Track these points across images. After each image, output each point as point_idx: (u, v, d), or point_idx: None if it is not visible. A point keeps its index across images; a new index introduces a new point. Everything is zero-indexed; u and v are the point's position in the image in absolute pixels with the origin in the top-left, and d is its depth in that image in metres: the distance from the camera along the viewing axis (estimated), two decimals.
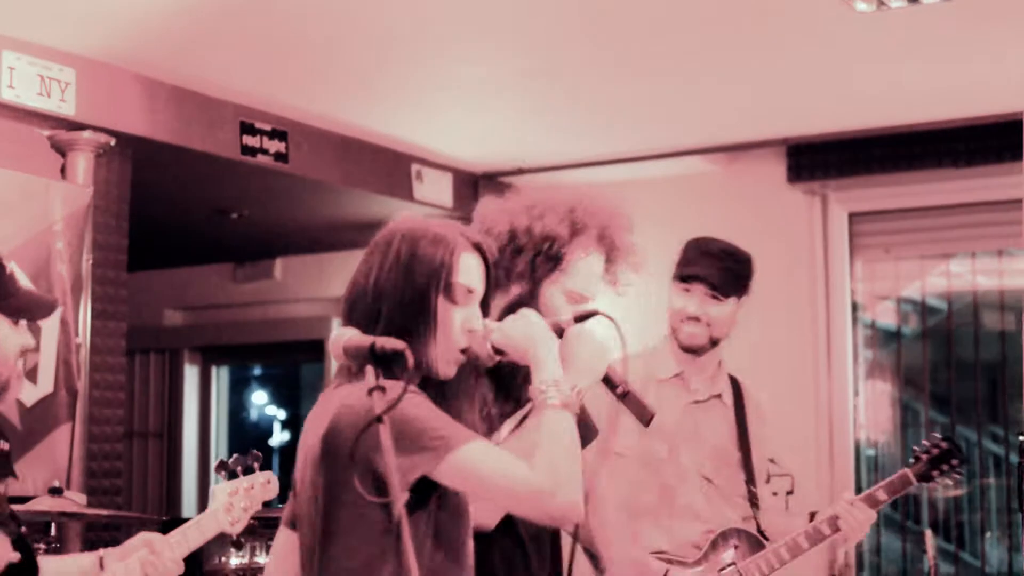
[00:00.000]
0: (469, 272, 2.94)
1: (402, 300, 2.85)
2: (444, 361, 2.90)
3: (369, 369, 2.65)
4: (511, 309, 3.37)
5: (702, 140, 7.68)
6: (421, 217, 3.03)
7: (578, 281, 3.53)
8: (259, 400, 12.26)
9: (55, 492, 4.44)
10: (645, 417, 3.28)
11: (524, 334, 3.04)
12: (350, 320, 2.88)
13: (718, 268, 4.65)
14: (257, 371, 12.36)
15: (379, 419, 2.56)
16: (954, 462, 4.67)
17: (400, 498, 2.49)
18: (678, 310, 4.67)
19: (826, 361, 7.65)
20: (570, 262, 3.52)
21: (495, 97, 6.83)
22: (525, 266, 3.50)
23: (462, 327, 2.92)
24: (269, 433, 12.30)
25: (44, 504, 4.49)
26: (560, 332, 3.16)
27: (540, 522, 2.89)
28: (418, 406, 2.74)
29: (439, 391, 2.90)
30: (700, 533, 4.62)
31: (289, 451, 12.02)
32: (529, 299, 3.47)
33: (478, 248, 2.99)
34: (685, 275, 4.67)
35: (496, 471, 2.74)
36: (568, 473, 2.77)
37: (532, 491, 2.74)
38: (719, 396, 4.78)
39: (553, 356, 3.00)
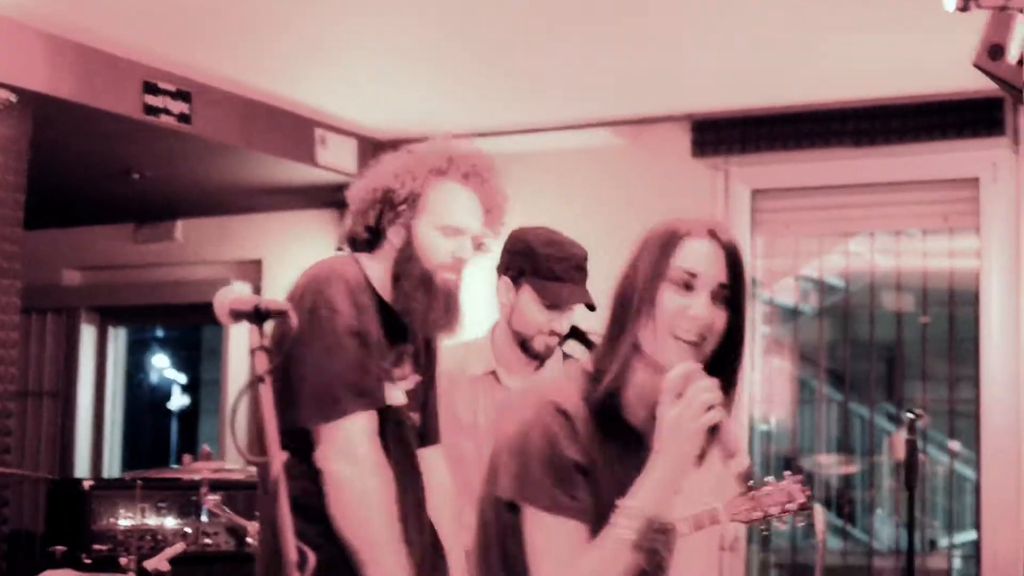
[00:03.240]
0: None
1: None
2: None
3: (254, 329, 2.64)
4: (402, 260, 3.61)
5: (609, 112, 7.69)
6: None
7: (445, 215, 3.70)
8: (159, 363, 12.18)
9: None
10: None
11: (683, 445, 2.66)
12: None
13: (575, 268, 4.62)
14: (157, 333, 12.27)
15: (261, 379, 2.55)
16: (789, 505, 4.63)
17: (278, 458, 2.48)
18: (533, 318, 4.63)
19: None
20: (434, 198, 3.71)
21: (401, 64, 6.82)
22: (395, 213, 3.70)
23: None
24: (168, 396, 12.22)
25: None
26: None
27: None
28: None
29: None
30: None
31: (189, 416, 11.96)
32: (408, 246, 3.67)
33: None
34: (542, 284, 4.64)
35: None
36: None
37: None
38: None
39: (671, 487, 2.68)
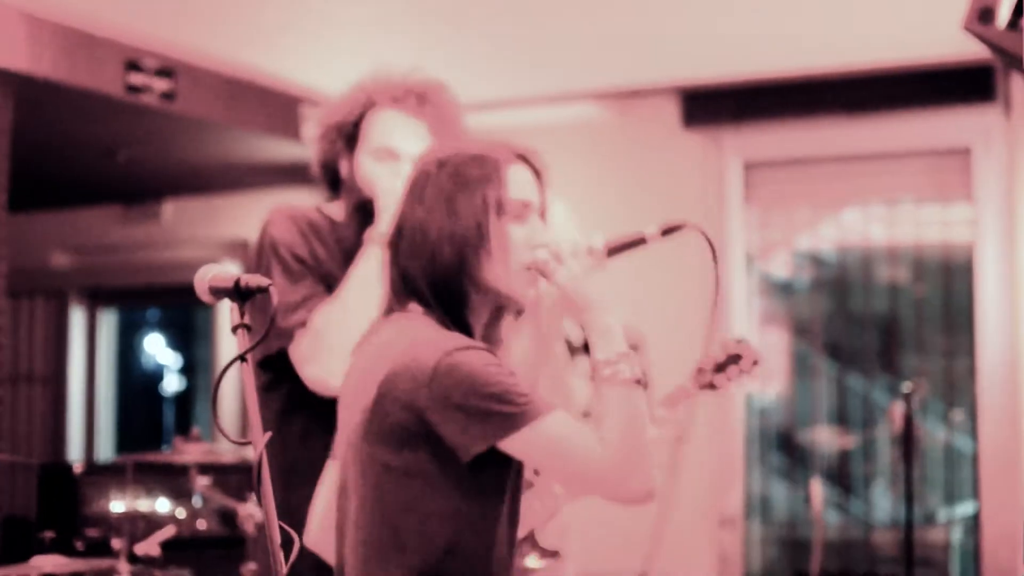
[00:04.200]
0: (520, 185, 2.83)
1: (454, 231, 2.73)
2: (515, 285, 2.79)
3: (234, 307, 2.57)
4: (361, 208, 3.62)
5: (595, 84, 7.61)
6: (455, 143, 2.91)
7: (376, 139, 3.64)
8: (152, 345, 12.11)
9: None
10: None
11: (596, 291, 2.80)
12: (398, 262, 2.78)
13: None
14: (149, 316, 12.20)
15: (243, 358, 2.48)
16: (743, 364, 4.49)
17: (260, 437, 2.41)
18: None
19: (718, 310, 7.61)
20: (368, 125, 3.66)
21: (384, 37, 6.74)
22: (336, 150, 3.70)
23: (526, 244, 2.81)
24: (160, 379, 12.15)
25: None
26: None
27: (607, 501, 2.79)
28: (488, 363, 2.62)
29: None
30: None
31: (184, 399, 11.90)
32: (350, 178, 3.66)
33: (525, 159, 2.88)
34: None
35: (576, 448, 2.62)
36: (646, 456, 2.66)
37: (607, 474, 2.63)
38: None
39: (619, 323, 2.78)
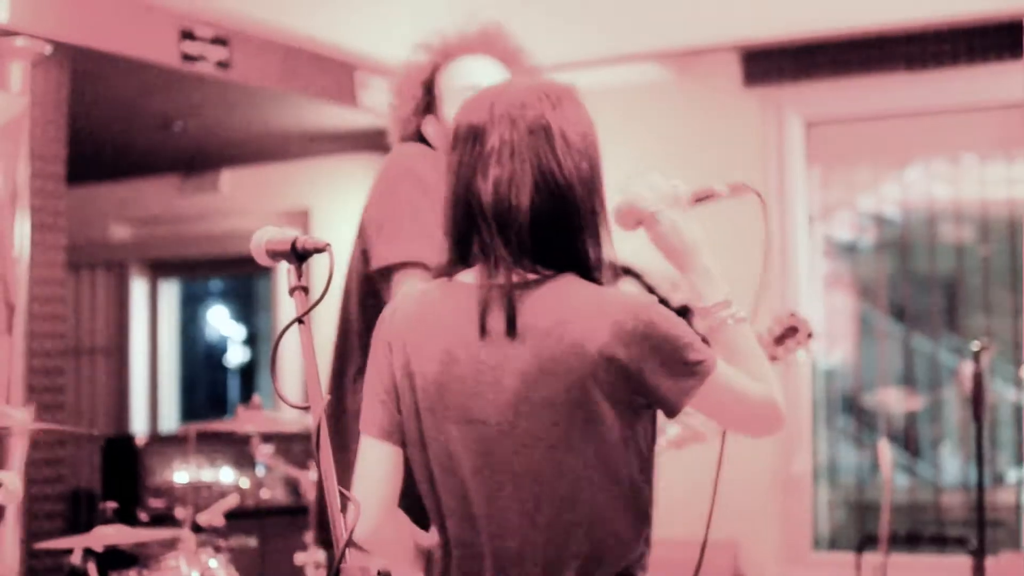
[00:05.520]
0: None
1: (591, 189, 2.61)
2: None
3: (292, 269, 2.53)
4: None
5: (654, 44, 7.53)
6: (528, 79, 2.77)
7: (459, 80, 3.63)
8: (216, 316, 12.13)
9: None
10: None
11: (691, 238, 2.77)
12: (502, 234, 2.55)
13: None
14: (211, 287, 12.22)
15: (300, 320, 2.44)
16: (799, 337, 4.49)
17: (319, 401, 2.36)
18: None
19: (781, 272, 7.54)
20: (446, 77, 3.67)
21: (442, 5, 6.68)
22: (417, 110, 3.69)
23: None
24: (222, 350, 12.17)
25: None
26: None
27: (754, 437, 2.75)
28: (667, 316, 2.54)
29: None
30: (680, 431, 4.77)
31: (247, 370, 11.91)
32: (442, 137, 3.59)
33: None
34: None
35: (745, 389, 2.60)
36: (778, 385, 2.67)
37: (770, 406, 2.63)
38: None
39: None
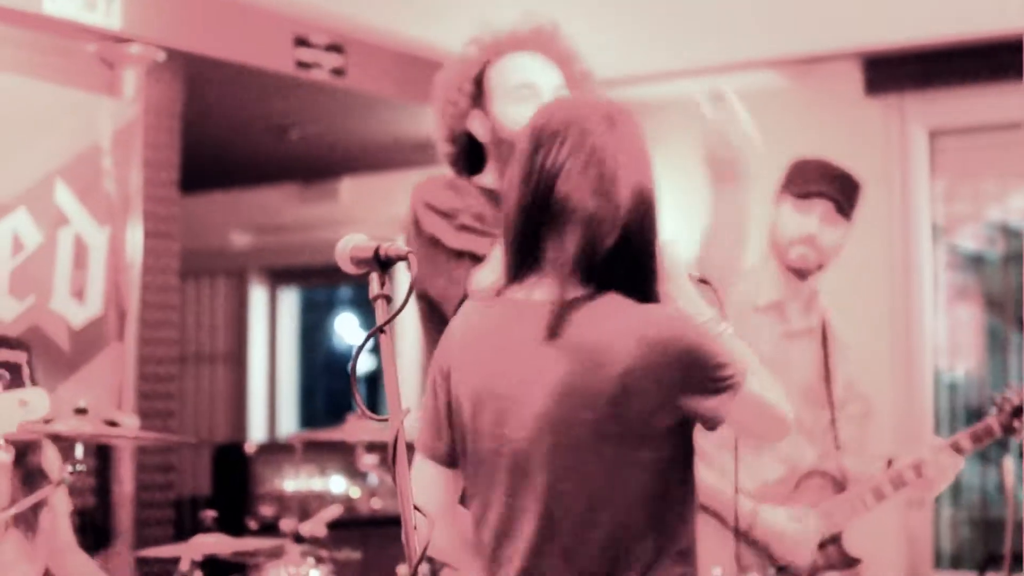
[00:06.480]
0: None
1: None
2: None
3: (374, 277, 2.50)
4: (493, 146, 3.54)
5: (771, 52, 7.43)
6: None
7: (511, 79, 3.54)
8: (342, 324, 12.15)
9: (80, 412, 4.26)
10: None
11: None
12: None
13: (840, 187, 4.48)
14: (340, 293, 12.25)
15: (382, 329, 2.40)
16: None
17: (399, 412, 2.31)
18: (792, 228, 4.46)
19: (905, 284, 7.42)
20: (495, 75, 3.57)
21: (555, 9, 6.62)
22: (465, 110, 3.59)
23: None
24: (346, 358, 12.16)
25: (65, 424, 4.20)
26: None
27: (767, 444, 2.72)
28: (702, 333, 2.55)
29: None
30: (783, 472, 4.44)
31: (374, 378, 11.91)
32: (494, 135, 3.54)
33: None
34: (806, 192, 4.46)
35: (767, 399, 2.59)
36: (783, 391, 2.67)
37: (785, 413, 2.62)
38: (811, 328, 4.56)
39: None
